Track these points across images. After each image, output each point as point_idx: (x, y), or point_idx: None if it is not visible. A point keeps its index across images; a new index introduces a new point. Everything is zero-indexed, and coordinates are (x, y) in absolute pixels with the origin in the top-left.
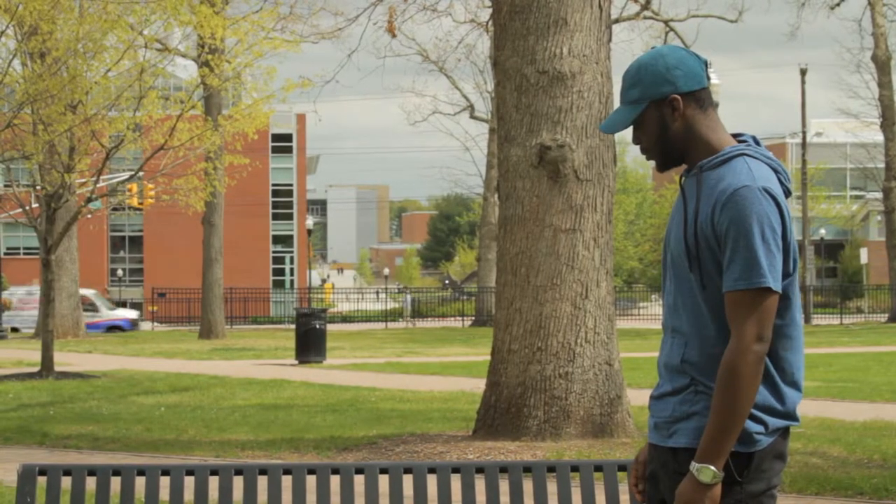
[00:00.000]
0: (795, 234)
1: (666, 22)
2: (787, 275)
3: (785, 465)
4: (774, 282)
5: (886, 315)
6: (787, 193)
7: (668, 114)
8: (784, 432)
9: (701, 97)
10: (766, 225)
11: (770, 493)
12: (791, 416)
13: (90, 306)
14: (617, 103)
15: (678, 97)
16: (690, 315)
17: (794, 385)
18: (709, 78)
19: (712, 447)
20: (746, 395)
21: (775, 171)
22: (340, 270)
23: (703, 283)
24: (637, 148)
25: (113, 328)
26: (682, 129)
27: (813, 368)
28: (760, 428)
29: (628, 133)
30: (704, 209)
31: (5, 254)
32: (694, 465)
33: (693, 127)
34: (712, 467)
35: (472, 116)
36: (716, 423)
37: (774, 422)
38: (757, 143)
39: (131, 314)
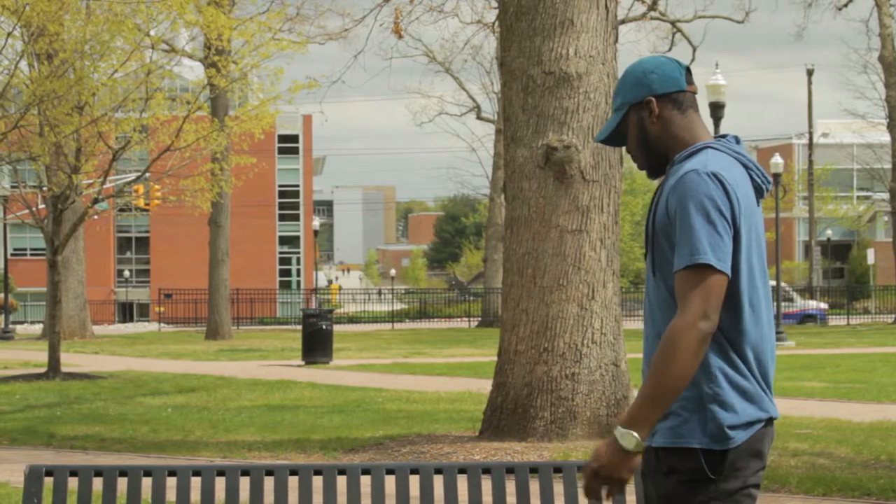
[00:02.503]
0: (756, 226)
1: (672, 23)
2: (735, 262)
3: (764, 466)
4: (718, 261)
5: (893, 315)
6: (759, 190)
7: (646, 116)
8: (760, 430)
9: (679, 99)
10: (710, 206)
11: (746, 491)
12: (765, 408)
13: (785, 295)
14: None
15: (653, 99)
16: (663, 310)
17: (765, 375)
18: (690, 82)
19: (639, 414)
20: (682, 370)
21: (745, 167)
22: (346, 271)
23: (654, 269)
24: None
25: (807, 318)
26: (660, 131)
27: (820, 369)
28: (733, 417)
29: None
30: (663, 198)
31: (12, 255)
32: (618, 430)
33: (670, 128)
34: (636, 434)
35: (479, 117)
36: (646, 391)
37: (749, 410)
38: (737, 141)
39: (822, 305)
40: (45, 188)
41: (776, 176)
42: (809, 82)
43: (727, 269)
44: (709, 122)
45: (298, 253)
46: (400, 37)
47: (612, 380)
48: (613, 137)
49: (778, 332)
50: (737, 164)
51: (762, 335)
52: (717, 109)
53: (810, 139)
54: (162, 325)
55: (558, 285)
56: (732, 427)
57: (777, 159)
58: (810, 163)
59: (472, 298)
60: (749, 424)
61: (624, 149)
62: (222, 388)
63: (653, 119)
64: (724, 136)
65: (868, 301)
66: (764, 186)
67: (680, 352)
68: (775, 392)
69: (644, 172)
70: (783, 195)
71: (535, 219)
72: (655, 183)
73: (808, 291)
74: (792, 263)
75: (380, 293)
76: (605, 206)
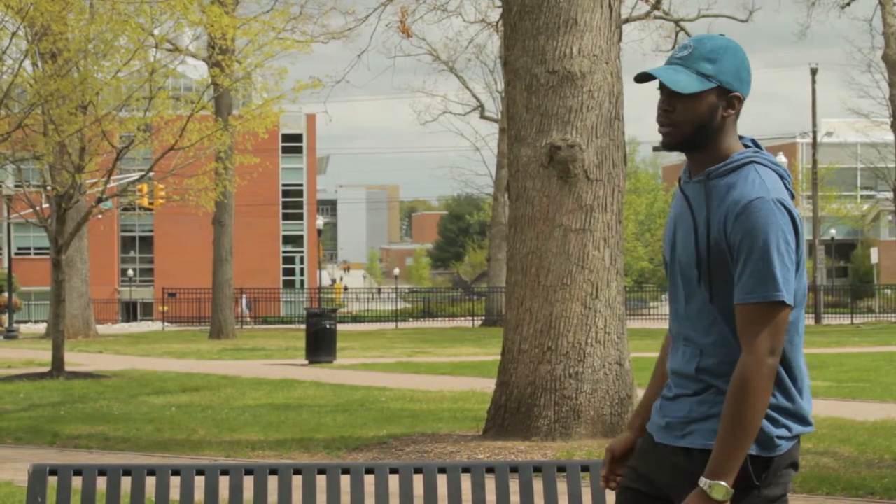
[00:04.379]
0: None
1: (676, 22)
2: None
3: (795, 475)
4: (788, 295)
5: None
6: (792, 197)
7: (723, 107)
8: (798, 440)
9: (741, 109)
10: (781, 238)
11: (784, 498)
12: (808, 421)
13: None
14: (627, 103)
15: (740, 98)
16: (705, 325)
17: (806, 390)
18: None
19: (725, 462)
20: (758, 409)
21: (781, 177)
22: (347, 269)
23: (713, 294)
24: (647, 148)
25: None
26: (719, 127)
27: (823, 368)
28: (783, 432)
29: (639, 134)
30: (716, 220)
31: (16, 254)
32: (705, 482)
33: (724, 128)
34: (724, 483)
35: (483, 116)
36: (728, 439)
37: (796, 427)
38: (758, 146)
39: None
40: (48, 187)
41: None
42: (813, 81)
43: (793, 301)
44: None
45: (302, 252)
46: (408, 35)
47: (615, 379)
48: (670, 90)
49: None
50: (778, 177)
51: (803, 351)
52: None
53: (814, 138)
54: (166, 324)
55: (562, 284)
56: (781, 436)
57: (781, 158)
58: (814, 162)
59: (475, 297)
60: (795, 436)
61: (629, 148)
62: (226, 388)
63: (724, 113)
64: (740, 138)
65: (872, 300)
66: (794, 193)
67: (752, 392)
68: None
69: (654, 170)
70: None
71: (538, 218)
72: (659, 183)
73: (812, 290)
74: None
75: (379, 292)
76: (608, 206)
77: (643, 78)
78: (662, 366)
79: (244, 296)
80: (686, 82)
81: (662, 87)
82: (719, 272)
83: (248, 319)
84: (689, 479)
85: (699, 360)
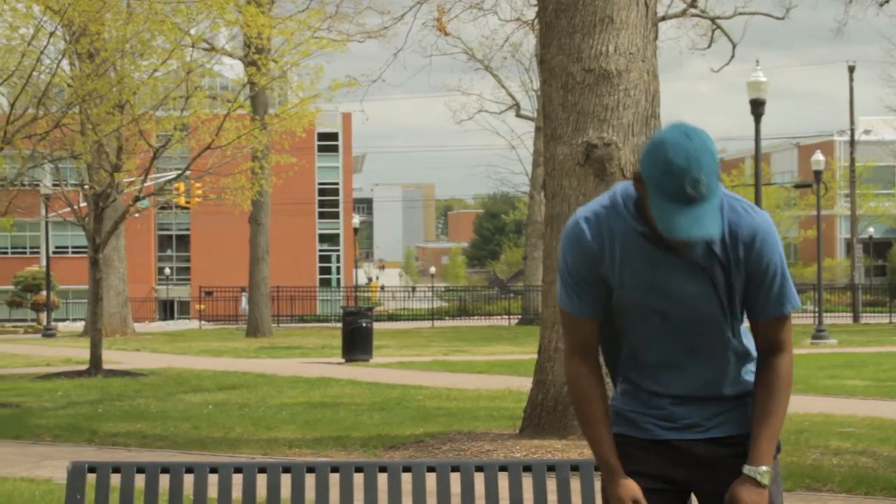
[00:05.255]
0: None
1: (712, 19)
2: None
3: None
4: None
5: None
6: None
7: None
8: None
9: None
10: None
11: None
12: None
13: None
14: (663, 102)
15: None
16: (722, 353)
17: None
18: None
19: (769, 449)
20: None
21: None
22: (382, 268)
23: (733, 328)
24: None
25: None
26: None
27: (862, 367)
28: None
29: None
30: (733, 261)
31: (54, 252)
32: (753, 470)
33: None
34: (768, 468)
35: (518, 115)
36: (774, 428)
37: None
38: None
39: None
40: (86, 186)
41: (817, 173)
42: (851, 79)
43: None
44: (750, 120)
45: (338, 251)
46: (445, 33)
47: None
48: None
49: (820, 331)
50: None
51: None
52: (757, 106)
53: (852, 136)
54: (202, 322)
55: None
56: None
57: (818, 156)
58: (852, 160)
59: (512, 296)
60: None
61: None
62: (263, 386)
63: None
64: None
65: None
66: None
67: (790, 385)
68: (818, 390)
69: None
70: (824, 192)
71: None
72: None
73: (850, 289)
74: (833, 261)
75: (413, 290)
76: None
77: (680, 243)
78: (603, 403)
79: (244, 294)
80: (717, 224)
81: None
82: (736, 305)
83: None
84: (733, 462)
85: (723, 388)
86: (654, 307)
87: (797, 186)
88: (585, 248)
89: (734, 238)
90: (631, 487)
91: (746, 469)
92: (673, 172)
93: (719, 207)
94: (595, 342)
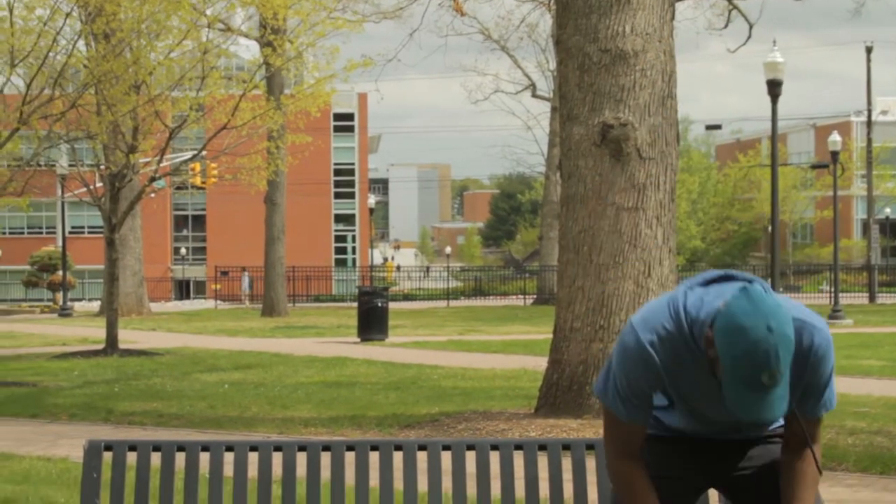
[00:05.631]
0: None
1: (729, 0)
2: None
3: None
4: None
5: None
6: None
7: None
8: None
9: None
10: None
11: None
12: None
13: None
14: (679, 82)
15: None
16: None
17: None
18: None
19: None
20: None
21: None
22: (397, 248)
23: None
24: (700, 127)
25: None
26: None
27: (878, 348)
28: None
29: (692, 112)
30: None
31: (70, 232)
32: None
33: None
34: None
35: (534, 95)
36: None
37: None
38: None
39: None
40: (102, 166)
41: (834, 154)
42: (868, 59)
43: None
44: (766, 101)
45: (354, 231)
46: (462, 13)
47: None
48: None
49: (836, 311)
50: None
51: None
52: (774, 87)
53: (868, 117)
54: (218, 302)
55: (614, 263)
56: None
57: (835, 137)
58: (869, 141)
59: (527, 276)
60: None
61: (682, 126)
62: (279, 365)
63: None
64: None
65: None
66: None
67: (818, 480)
68: (834, 370)
69: (706, 149)
70: (841, 173)
71: (591, 196)
72: (712, 162)
73: (867, 269)
74: (850, 242)
75: (427, 270)
76: (661, 184)
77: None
78: (653, 492)
79: (246, 273)
80: (785, 405)
81: None
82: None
83: (245, 298)
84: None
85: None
86: (711, 419)
87: (814, 167)
88: (651, 370)
89: (797, 359)
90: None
91: None
92: (752, 366)
93: (788, 390)
94: (641, 444)
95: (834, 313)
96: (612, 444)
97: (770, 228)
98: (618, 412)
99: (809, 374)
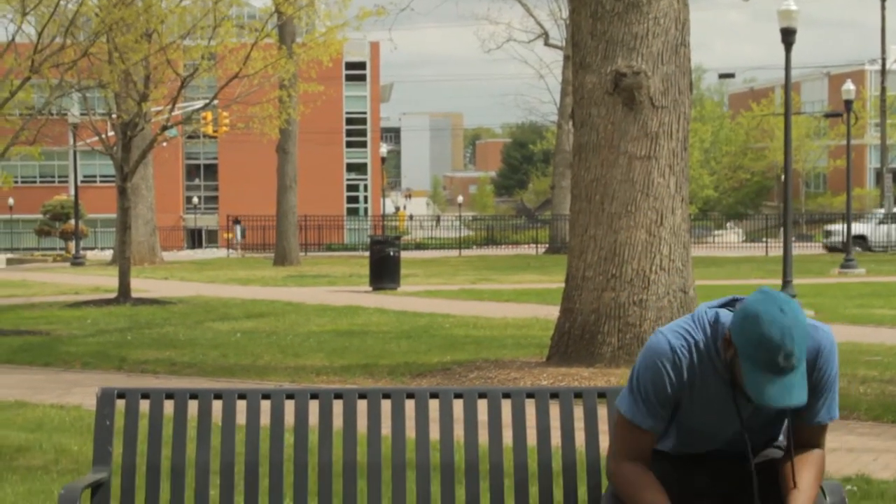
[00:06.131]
0: None
1: None
2: None
3: None
4: None
5: None
6: None
7: None
8: None
9: None
10: None
11: None
12: None
13: None
14: (693, 30)
15: None
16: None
17: None
18: None
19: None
20: None
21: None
22: (409, 197)
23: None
24: (713, 75)
25: None
26: None
27: (890, 297)
28: None
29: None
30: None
31: (82, 182)
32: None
33: None
34: None
35: (547, 44)
36: (815, 491)
37: None
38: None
39: None
40: (114, 115)
41: (848, 103)
42: (883, 7)
43: None
44: (780, 49)
45: (366, 180)
46: None
47: (679, 306)
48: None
49: (848, 260)
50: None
51: None
52: (788, 35)
53: (883, 65)
54: (230, 251)
55: (626, 212)
56: None
57: (849, 86)
58: (883, 89)
59: (539, 225)
60: None
61: (694, 75)
62: (291, 314)
63: None
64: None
65: None
66: None
67: (821, 477)
68: (846, 319)
69: (719, 98)
70: (854, 122)
71: (603, 145)
72: (725, 111)
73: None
74: (863, 191)
75: (438, 220)
76: (674, 133)
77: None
78: (657, 483)
79: (239, 224)
80: (805, 389)
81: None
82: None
83: (238, 248)
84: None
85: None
86: (720, 437)
87: (827, 116)
88: (676, 371)
89: (805, 358)
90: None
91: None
92: (767, 347)
93: (805, 376)
94: (650, 454)
95: (846, 262)
96: (621, 450)
97: (783, 177)
98: (631, 416)
99: (816, 374)
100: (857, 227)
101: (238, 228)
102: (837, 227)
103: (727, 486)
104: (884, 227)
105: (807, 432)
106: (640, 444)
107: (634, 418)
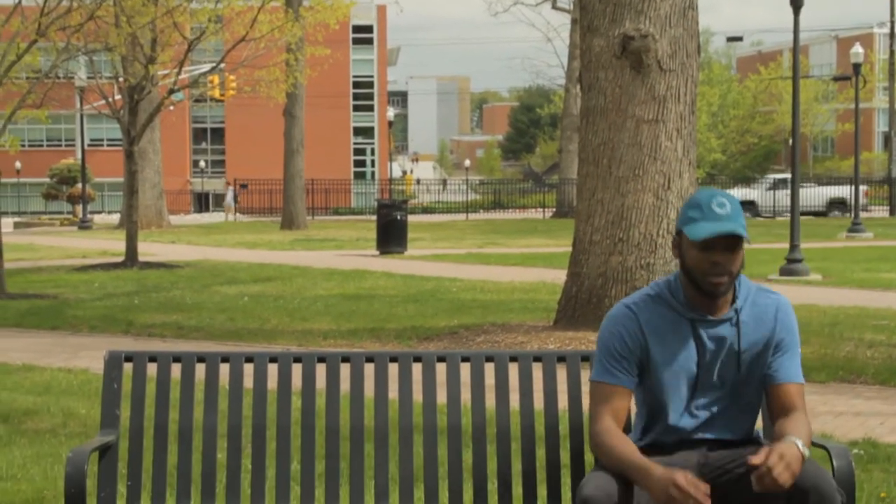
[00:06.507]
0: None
1: None
2: None
3: None
4: None
5: None
6: None
7: None
8: None
9: None
10: None
11: None
12: None
13: None
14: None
15: None
16: (752, 407)
17: None
18: None
19: (806, 439)
20: None
21: None
22: (416, 160)
23: (754, 378)
24: (721, 38)
25: None
26: None
27: None
28: None
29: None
30: (760, 336)
31: (89, 145)
32: (801, 444)
33: None
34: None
35: (554, 7)
36: (805, 436)
37: None
38: None
39: None
40: (121, 79)
41: (856, 66)
42: None
43: None
44: (788, 12)
45: (373, 143)
46: None
47: None
48: (728, 243)
49: (856, 224)
50: None
51: None
52: None
53: (891, 28)
54: (237, 215)
55: (634, 175)
56: None
57: (857, 49)
58: (891, 52)
59: (546, 189)
60: None
61: (702, 38)
62: (298, 278)
63: None
64: None
65: None
66: None
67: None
68: (853, 283)
69: (727, 61)
70: (863, 85)
71: (611, 109)
72: (733, 74)
73: (888, 183)
74: (871, 154)
75: (445, 183)
76: (681, 96)
77: (713, 240)
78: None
79: (230, 188)
80: (742, 227)
81: (716, 243)
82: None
83: (229, 212)
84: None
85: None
86: (687, 383)
87: (835, 79)
88: (627, 329)
89: (760, 317)
90: (669, 470)
91: (794, 439)
92: (699, 202)
93: (745, 227)
94: (625, 415)
95: (854, 226)
96: (595, 414)
97: (791, 141)
98: (599, 376)
99: (778, 329)
100: (747, 193)
101: (230, 192)
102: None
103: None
104: (773, 193)
105: (782, 397)
106: (612, 404)
107: (600, 377)
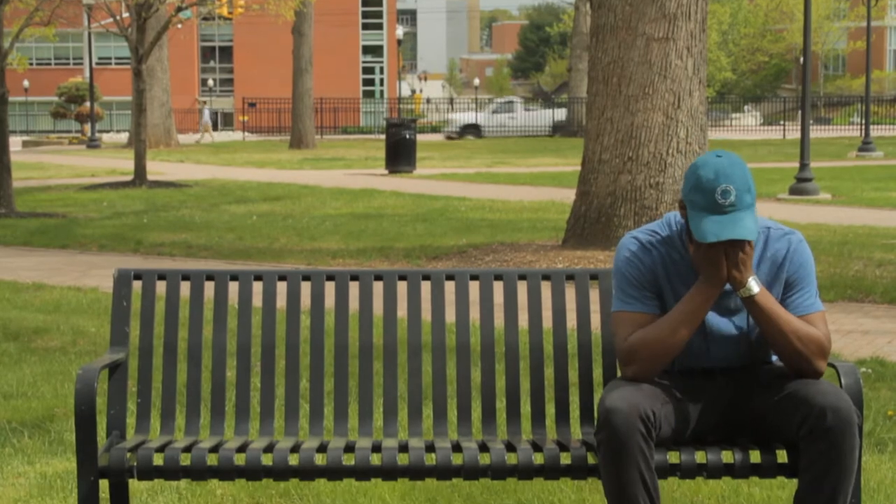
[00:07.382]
0: None
1: None
2: None
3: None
4: None
5: None
6: None
7: None
8: None
9: None
10: None
11: None
12: None
13: None
14: None
15: None
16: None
17: None
18: None
19: (772, 300)
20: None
21: None
22: (424, 79)
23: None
24: None
25: None
26: None
27: None
28: None
29: None
30: (788, 255)
31: (97, 64)
32: (755, 285)
33: None
34: (757, 291)
35: None
36: (784, 318)
37: None
38: None
39: None
40: None
41: None
42: None
43: None
44: None
45: (381, 62)
46: None
47: None
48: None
49: (866, 143)
50: None
51: None
52: None
53: None
54: (246, 134)
55: (644, 94)
56: None
57: None
58: None
59: (556, 108)
60: None
61: None
62: (307, 197)
63: None
64: None
65: None
66: None
67: (816, 343)
68: (862, 202)
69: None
70: (875, 3)
71: (621, 26)
72: None
73: None
74: (883, 73)
75: (451, 102)
76: (692, 14)
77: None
78: None
79: (206, 108)
80: (754, 227)
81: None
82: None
83: (203, 132)
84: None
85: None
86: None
87: None
88: (643, 261)
89: (772, 260)
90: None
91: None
92: (703, 187)
93: (755, 218)
94: None
95: (864, 145)
96: (624, 335)
97: (801, 59)
98: (622, 306)
99: (792, 270)
100: (471, 117)
101: (206, 111)
102: (456, 116)
103: (732, 392)
104: (497, 116)
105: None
106: (638, 326)
107: (623, 307)
